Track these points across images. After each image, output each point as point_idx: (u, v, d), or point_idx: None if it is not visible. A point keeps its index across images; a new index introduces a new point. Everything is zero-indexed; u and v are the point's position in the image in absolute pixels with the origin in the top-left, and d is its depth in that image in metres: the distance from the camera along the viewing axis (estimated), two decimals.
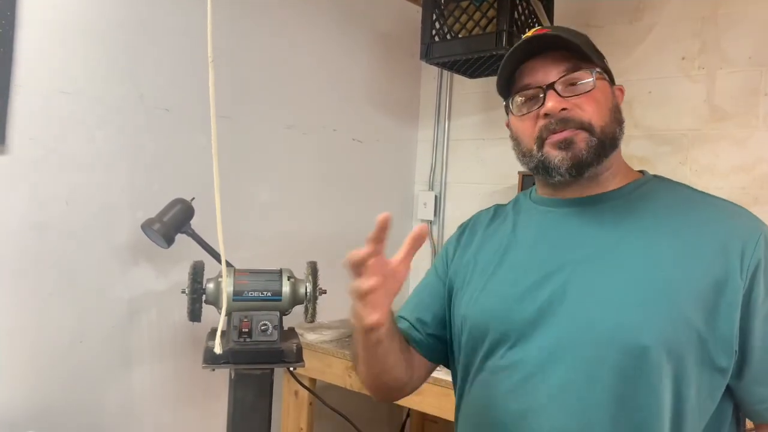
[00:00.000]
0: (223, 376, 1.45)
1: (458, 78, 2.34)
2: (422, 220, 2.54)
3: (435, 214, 2.49)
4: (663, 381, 0.80)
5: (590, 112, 0.89)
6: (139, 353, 1.64)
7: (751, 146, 1.77)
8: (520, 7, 1.79)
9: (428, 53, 1.92)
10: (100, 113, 1.53)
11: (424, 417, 2.42)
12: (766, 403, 0.84)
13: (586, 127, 0.88)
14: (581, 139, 0.88)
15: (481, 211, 1.11)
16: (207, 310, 1.34)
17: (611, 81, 0.95)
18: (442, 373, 1.54)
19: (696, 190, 0.95)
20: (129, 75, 1.58)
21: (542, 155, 0.91)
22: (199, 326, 1.40)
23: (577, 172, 0.90)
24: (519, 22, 1.79)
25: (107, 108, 1.54)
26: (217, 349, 1.17)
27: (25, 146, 1.40)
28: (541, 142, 0.90)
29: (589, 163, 0.89)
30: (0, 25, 1.32)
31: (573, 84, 0.90)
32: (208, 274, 1.35)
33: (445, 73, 2.44)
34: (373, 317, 0.78)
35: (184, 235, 1.49)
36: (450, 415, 1.53)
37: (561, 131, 0.88)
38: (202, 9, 1.70)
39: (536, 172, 0.95)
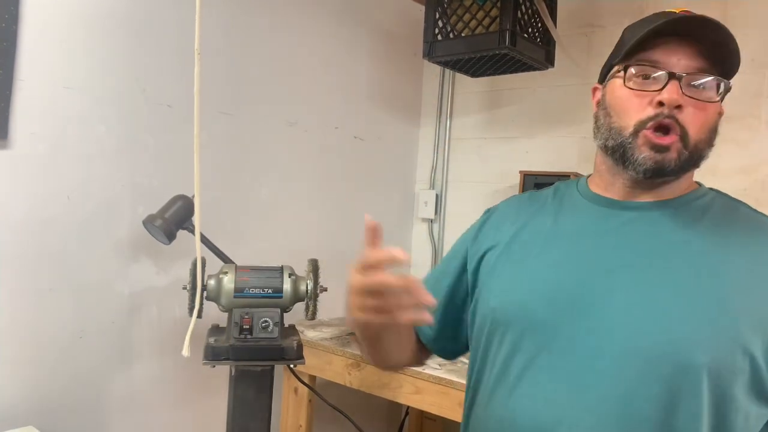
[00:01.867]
0: (223, 372, 1.45)
1: (460, 77, 2.34)
2: (423, 219, 2.54)
3: (436, 213, 2.49)
4: (709, 402, 0.75)
5: (697, 124, 0.82)
6: (139, 349, 1.65)
7: (753, 148, 1.77)
8: (523, 7, 1.79)
9: (431, 52, 1.92)
10: (102, 108, 1.53)
11: (423, 415, 2.43)
12: None
13: (684, 137, 0.82)
14: (676, 149, 0.82)
15: (511, 197, 1.06)
16: (208, 306, 1.34)
17: (722, 99, 0.87)
18: (441, 372, 1.55)
19: (756, 210, 0.89)
20: (131, 70, 1.58)
21: (631, 143, 0.84)
22: (199, 322, 1.40)
23: (653, 175, 0.84)
24: (522, 22, 1.79)
25: (109, 103, 1.54)
26: (185, 352, 1.15)
27: (27, 141, 1.40)
28: (640, 128, 0.83)
29: (669, 174, 0.84)
30: (3, 20, 1.32)
31: (697, 88, 0.82)
32: (209, 270, 1.35)
33: (448, 71, 2.44)
34: (363, 316, 0.76)
35: (185, 232, 1.49)
36: (448, 413, 1.54)
37: (665, 135, 0.82)
38: (203, 6, 1.71)
39: (611, 152, 0.87)
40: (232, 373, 1.32)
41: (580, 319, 0.81)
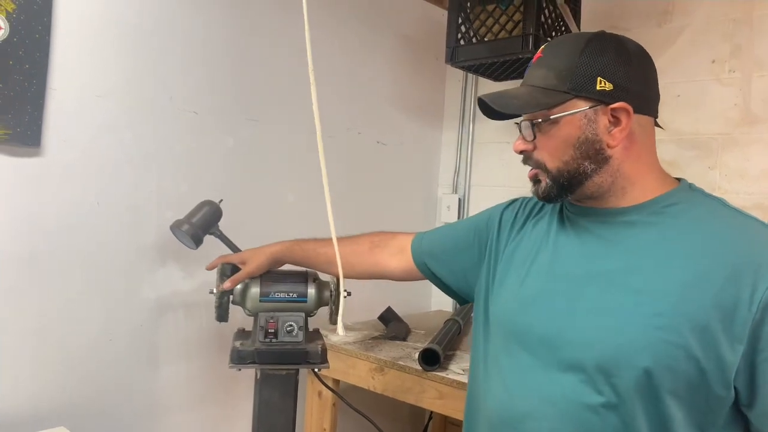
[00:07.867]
0: (248, 376, 1.47)
1: (483, 80, 2.33)
2: (445, 223, 2.53)
3: (458, 217, 2.49)
4: (656, 403, 0.82)
5: (545, 153, 0.92)
6: (166, 352, 1.67)
7: None
8: (546, 11, 1.78)
9: (453, 57, 1.92)
10: (131, 115, 1.56)
11: (446, 420, 2.42)
12: None
13: (543, 168, 0.93)
14: (543, 178, 0.94)
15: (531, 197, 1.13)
16: (234, 310, 1.36)
17: (604, 100, 0.89)
18: (465, 377, 1.55)
19: (729, 206, 0.90)
20: (159, 78, 1.61)
21: None
22: (225, 326, 1.42)
23: (548, 202, 0.98)
24: (546, 26, 1.78)
25: (138, 110, 1.57)
26: (340, 331, 1.21)
27: (58, 148, 1.43)
28: None
29: (555, 197, 0.94)
30: (36, 31, 1.36)
31: (523, 130, 0.94)
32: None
33: (470, 75, 2.44)
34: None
35: (212, 237, 1.51)
36: None
37: (531, 168, 0.96)
38: (230, 13, 1.74)
39: None
40: (258, 377, 1.33)
41: (542, 325, 0.92)
